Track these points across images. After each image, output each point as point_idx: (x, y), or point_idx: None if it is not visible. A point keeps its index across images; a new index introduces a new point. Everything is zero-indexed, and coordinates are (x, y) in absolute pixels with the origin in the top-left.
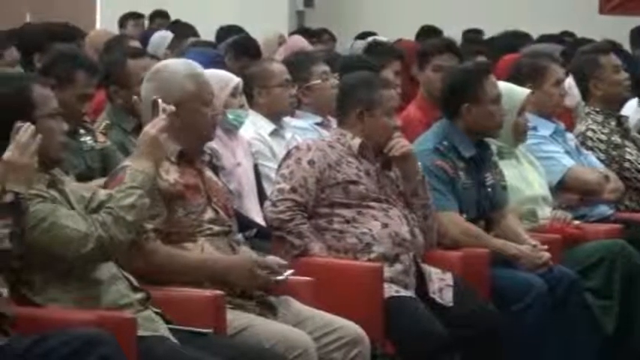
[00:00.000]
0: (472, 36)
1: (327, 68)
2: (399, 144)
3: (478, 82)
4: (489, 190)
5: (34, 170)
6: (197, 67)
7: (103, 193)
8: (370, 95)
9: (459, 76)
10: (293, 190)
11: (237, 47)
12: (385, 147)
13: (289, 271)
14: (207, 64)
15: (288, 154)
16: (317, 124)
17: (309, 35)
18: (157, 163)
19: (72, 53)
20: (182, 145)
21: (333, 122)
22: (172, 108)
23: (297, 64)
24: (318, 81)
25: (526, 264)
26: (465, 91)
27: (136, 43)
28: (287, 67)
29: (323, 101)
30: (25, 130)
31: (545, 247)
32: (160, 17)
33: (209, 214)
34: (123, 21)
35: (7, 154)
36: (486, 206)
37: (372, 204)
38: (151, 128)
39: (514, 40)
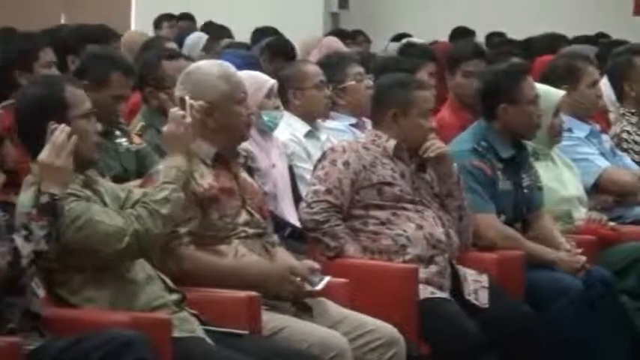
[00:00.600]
0: (496, 39)
1: (361, 69)
2: (435, 145)
3: (515, 83)
4: (526, 191)
5: (70, 172)
6: (229, 67)
7: (138, 192)
8: (405, 96)
9: (495, 77)
10: (328, 191)
11: (272, 49)
12: (420, 148)
13: (326, 279)
14: (243, 66)
15: (323, 156)
16: (352, 125)
17: (343, 37)
18: (187, 155)
19: (107, 54)
20: (217, 146)
21: (368, 123)
22: (200, 103)
23: (332, 66)
24: (353, 82)
25: (563, 269)
26: (502, 92)
27: (172, 45)
28: (321, 68)
29: (357, 102)
30: (60, 132)
31: (580, 250)
32: (185, 20)
33: (243, 216)
34: (158, 22)
35: (42, 155)
36: (523, 208)
37: (407, 205)
38: (167, 125)
39: (551, 41)
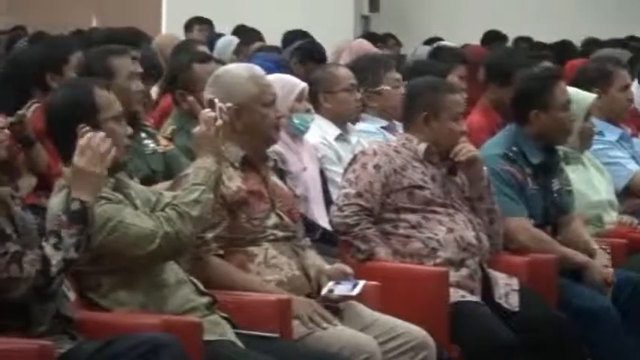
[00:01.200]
0: (524, 44)
1: (399, 76)
2: (465, 149)
3: (547, 88)
4: (556, 195)
5: (103, 179)
6: (258, 70)
7: (168, 196)
8: (436, 99)
9: (528, 83)
10: (359, 194)
11: (302, 52)
12: (451, 152)
13: (361, 284)
14: (274, 69)
15: (354, 159)
16: (383, 127)
17: (374, 40)
18: (217, 158)
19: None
20: (245, 149)
21: (399, 126)
22: (229, 105)
23: (367, 68)
24: (388, 87)
25: (592, 274)
26: (534, 98)
27: (203, 48)
28: (356, 69)
29: (390, 106)
30: (102, 140)
31: (609, 256)
32: (198, 23)
33: (273, 219)
34: (189, 26)
35: (77, 160)
36: (553, 212)
37: (438, 209)
38: (201, 125)
39: (582, 45)
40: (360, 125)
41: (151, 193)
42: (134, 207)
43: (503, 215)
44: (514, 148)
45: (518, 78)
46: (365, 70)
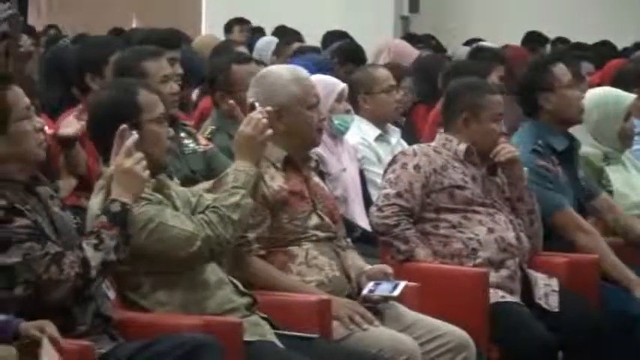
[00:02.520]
0: (561, 45)
1: (393, 82)
2: (505, 150)
3: (546, 70)
4: (583, 183)
5: (145, 182)
6: (302, 71)
7: (208, 197)
8: (476, 100)
9: (527, 72)
10: (399, 195)
11: (342, 53)
12: (490, 152)
13: (402, 285)
14: (315, 70)
15: (394, 159)
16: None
17: (414, 41)
18: (256, 162)
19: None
20: (287, 150)
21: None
22: (269, 109)
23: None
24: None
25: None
26: (536, 83)
27: (243, 49)
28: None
29: (382, 112)
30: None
31: None
32: (238, 24)
33: (314, 220)
34: (229, 27)
35: (122, 162)
36: (582, 198)
37: (478, 209)
38: (244, 127)
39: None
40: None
41: (191, 194)
42: (175, 208)
43: (552, 210)
44: (539, 142)
45: (522, 69)
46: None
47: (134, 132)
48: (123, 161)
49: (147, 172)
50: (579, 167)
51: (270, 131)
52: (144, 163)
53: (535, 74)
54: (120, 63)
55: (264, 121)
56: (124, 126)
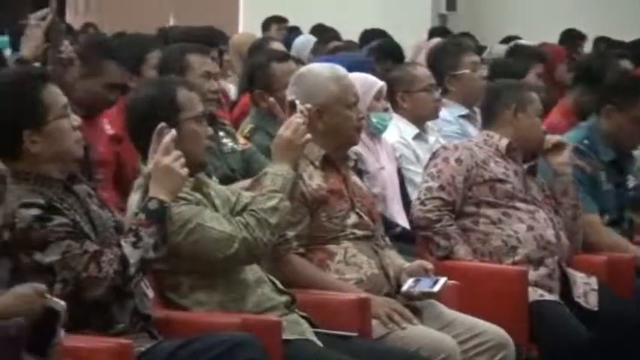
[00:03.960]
0: (603, 44)
1: (477, 59)
2: (554, 137)
3: (635, 92)
4: (631, 192)
5: (184, 181)
6: (341, 70)
7: (246, 196)
8: (523, 94)
9: (620, 78)
10: (441, 188)
11: (381, 51)
12: (534, 148)
13: (442, 281)
14: (354, 68)
15: (435, 154)
16: (461, 116)
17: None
18: (294, 165)
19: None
20: (326, 149)
21: (479, 114)
22: (308, 106)
23: (447, 52)
24: (467, 70)
25: None
26: (617, 94)
27: (280, 47)
28: (437, 54)
29: (470, 91)
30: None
31: None
32: (276, 22)
33: (352, 218)
34: (266, 25)
35: (160, 159)
36: (630, 208)
37: (519, 205)
38: (283, 130)
39: None
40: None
41: (230, 193)
42: (213, 207)
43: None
44: (585, 142)
45: (615, 71)
46: (446, 53)
47: (172, 130)
48: (161, 159)
49: (185, 170)
50: (638, 178)
51: (308, 136)
52: (182, 160)
53: (622, 86)
54: (165, 56)
55: (304, 125)
56: (162, 124)
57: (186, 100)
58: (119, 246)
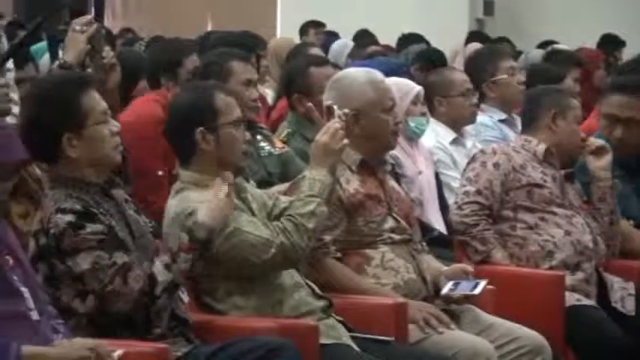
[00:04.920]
0: None
1: (514, 64)
2: (595, 142)
3: None
4: None
5: (225, 220)
6: (377, 74)
7: (284, 200)
8: (563, 100)
9: None
10: (478, 192)
11: (423, 58)
12: (572, 154)
13: (483, 283)
14: (391, 73)
15: (473, 158)
16: (501, 121)
17: (487, 43)
18: (332, 170)
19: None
20: (363, 153)
21: (518, 120)
22: (346, 111)
23: (485, 58)
24: (505, 76)
25: None
26: None
27: (318, 51)
28: (474, 60)
29: (508, 97)
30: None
31: None
32: (314, 26)
33: (389, 223)
34: (304, 29)
35: (220, 192)
36: None
37: (556, 210)
38: (321, 135)
39: None
40: (478, 117)
41: (267, 197)
42: (251, 211)
43: None
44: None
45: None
46: (483, 59)
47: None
48: (220, 191)
49: (229, 210)
50: None
51: (346, 141)
52: (227, 190)
53: None
54: (207, 61)
55: (342, 130)
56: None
57: (224, 105)
58: (152, 263)
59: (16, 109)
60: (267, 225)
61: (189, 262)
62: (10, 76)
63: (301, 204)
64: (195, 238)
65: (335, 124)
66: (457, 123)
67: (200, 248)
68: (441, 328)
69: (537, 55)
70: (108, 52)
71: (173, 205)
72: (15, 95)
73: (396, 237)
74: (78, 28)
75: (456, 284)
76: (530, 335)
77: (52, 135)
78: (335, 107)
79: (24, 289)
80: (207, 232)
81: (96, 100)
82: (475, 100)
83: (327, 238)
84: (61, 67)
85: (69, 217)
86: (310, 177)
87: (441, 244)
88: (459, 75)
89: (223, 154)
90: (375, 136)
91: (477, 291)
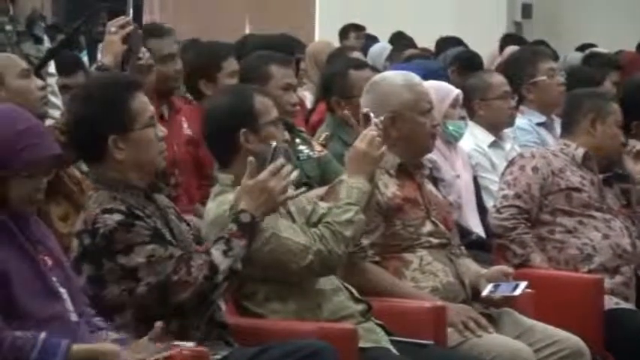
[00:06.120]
0: None
1: (554, 65)
2: (637, 146)
3: None
4: None
5: (277, 209)
6: (415, 77)
7: (322, 207)
8: (603, 104)
9: None
10: (517, 196)
11: (461, 61)
12: (612, 158)
13: (523, 285)
14: (430, 76)
15: (511, 162)
16: (539, 124)
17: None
18: (370, 178)
19: None
20: (401, 157)
21: (557, 122)
22: (381, 118)
23: (524, 59)
24: (544, 77)
25: None
26: None
27: (358, 55)
28: (513, 62)
29: (548, 98)
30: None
31: None
32: (354, 30)
33: (428, 227)
34: (344, 32)
35: (266, 179)
36: None
37: (594, 213)
38: (359, 143)
39: None
40: (516, 120)
41: (306, 201)
42: (290, 215)
43: None
44: None
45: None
46: (523, 61)
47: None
48: (266, 179)
49: (284, 196)
50: None
51: (384, 148)
52: (285, 184)
53: None
54: (246, 64)
55: (379, 138)
56: (274, 144)
57: (263, 106)
58: (208, 253)
59: (56, 114)
60: (305, 231)
61: (245, 248)
62: (52, 80)
63: (340, 212)
64: (243, 224)
65: (372, 131)
66: (496, 126)
67: (248, 232)
68: (480, 332)
69: (576, 57)
70: (144, 53)
71: (212, 207)
72: (57, 100)
73: (435, 241)
74: (113, 29)
75: (496, 286)
76: (569, 339)
77: (98, 135)
78: (372, 114)
79: (63, 290)
80: (251, 217)
81: (144, 104)
82: (513, 102)
83: (365, 242)
84: (99, 70)
85: (117, 217)
86: (348, 184)
87: (480, 248)
88: (497, 78)
89: (262, 154)
90: (412, 139)
91: (517, 292)
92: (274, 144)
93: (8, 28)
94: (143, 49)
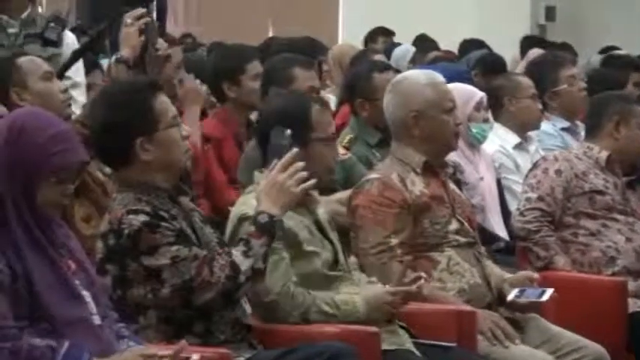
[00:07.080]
0: None
1: (575, 71)
2: None
3: None
4: None
5: (295, 200)
6: (437, 76)
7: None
8: (627, 107)
9: None
10: (540, 198)
11: (484, 64)
12: (635, 161)
13: (549, 291)
14: (454, 79)
15: (535, 165)
16: (563, 129)
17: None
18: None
19: None
20: (425, 155)
21: (582, 127)
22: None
23: (545, 67)
24: (565, 86)
25: None
26: None
27: (381, 57)
28: (534, 70)
29: (570, 105)
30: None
31: None
32: (383, 34)
33: (454, 224)
34: (373, 36)
35: (276, 175)
36: None
37: (618, 216)
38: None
39: None
40: (541, 124)
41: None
42: (316, 224)
43: None
44: None
45: None
46: (544, 69)
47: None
48: (276, 175)
49: (299, 188)
50: None
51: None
52: (299, 176)
53: None
54: (270, 66)
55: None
56: (296, 151)
57: (320, 121)
58: (229, 254)
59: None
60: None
61: (264, 248)
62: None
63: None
64: (260, 225)
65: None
66: (524, 126)
67: (267, 234)
68: (507, 343)
69: (598, 60)
70: (162, 44)
71: (235, 206)
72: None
73: (462, 239)
74: (129, 21)
75: (522, 291)
76: (592, 347)
77: (125, 139)
78: None
79: (86, 293)
80: (269, 217)
81: (167, 104)
82: (540, 105)
83: (394, 241)
84: (118, 62)
85: (142, 217)
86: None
87: (503, 251)
88: (525, 79)
89: (311, 169)
90: (435, 138)
91: (544, 298)
92: (288, 131)
93: (11, 31)
94: (160, 40)
